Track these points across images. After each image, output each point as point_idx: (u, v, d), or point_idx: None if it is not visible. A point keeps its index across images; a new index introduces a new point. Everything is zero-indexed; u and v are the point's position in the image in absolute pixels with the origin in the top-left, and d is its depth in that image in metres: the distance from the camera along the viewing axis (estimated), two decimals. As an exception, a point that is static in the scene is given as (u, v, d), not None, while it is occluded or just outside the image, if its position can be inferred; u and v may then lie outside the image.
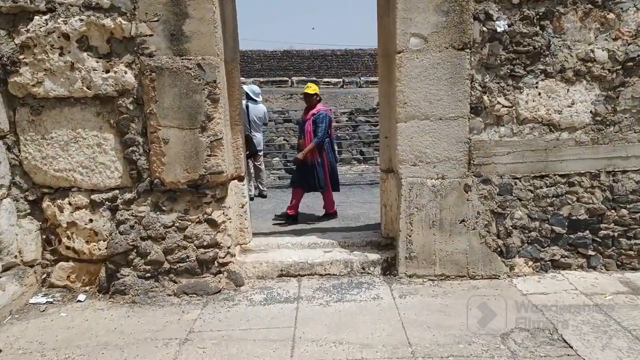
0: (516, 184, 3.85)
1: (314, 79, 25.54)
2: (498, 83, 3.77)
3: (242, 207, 4.26)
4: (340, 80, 25.78)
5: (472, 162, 3.83)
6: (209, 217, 3.79)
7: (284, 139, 14.14)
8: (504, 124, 3.83)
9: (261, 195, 7.73)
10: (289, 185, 8.25)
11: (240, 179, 4.21)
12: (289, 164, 11.50)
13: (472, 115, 3.79)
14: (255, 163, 7.62)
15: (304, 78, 25.62)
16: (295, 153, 12.26)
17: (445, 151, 3.81)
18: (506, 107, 3.79)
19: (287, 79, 25.13)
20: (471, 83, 3.75)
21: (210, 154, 3.71)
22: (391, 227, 4.29)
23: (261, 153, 7.69)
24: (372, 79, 26.44)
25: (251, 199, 7.07)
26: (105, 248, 3.82)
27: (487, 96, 3.78)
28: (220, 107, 3.70)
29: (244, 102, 7.07)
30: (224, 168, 3.77)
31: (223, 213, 3.85)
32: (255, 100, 7.36)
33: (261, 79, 24.90)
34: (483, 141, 3.82)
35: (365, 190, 8.35)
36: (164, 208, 3.78)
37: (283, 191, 8.34)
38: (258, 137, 7.43)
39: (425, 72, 3.73)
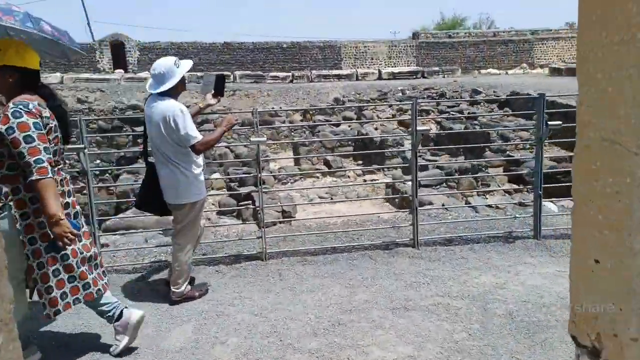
0: None
1: (260, 73, 22.78)
2: None
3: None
4: (289, 74, 23.07)
5: None
6: None
7: (226, 147, 11.22)
8: None
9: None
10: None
11: None
12: (232, 183, 8.59)
13: None
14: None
15: (248, 72, 22.70)
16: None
17: None
18: None
19: (229, 73, 22.08)
20: None
21: None
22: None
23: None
24: (324, 72, 23.87)
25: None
26: None
27: None
28: None
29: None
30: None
31: None
32: (157, 95, 3.16)
33: (199, 74, 21.83)
34: None
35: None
36: None
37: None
38: (162, 176, 3.27)
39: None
